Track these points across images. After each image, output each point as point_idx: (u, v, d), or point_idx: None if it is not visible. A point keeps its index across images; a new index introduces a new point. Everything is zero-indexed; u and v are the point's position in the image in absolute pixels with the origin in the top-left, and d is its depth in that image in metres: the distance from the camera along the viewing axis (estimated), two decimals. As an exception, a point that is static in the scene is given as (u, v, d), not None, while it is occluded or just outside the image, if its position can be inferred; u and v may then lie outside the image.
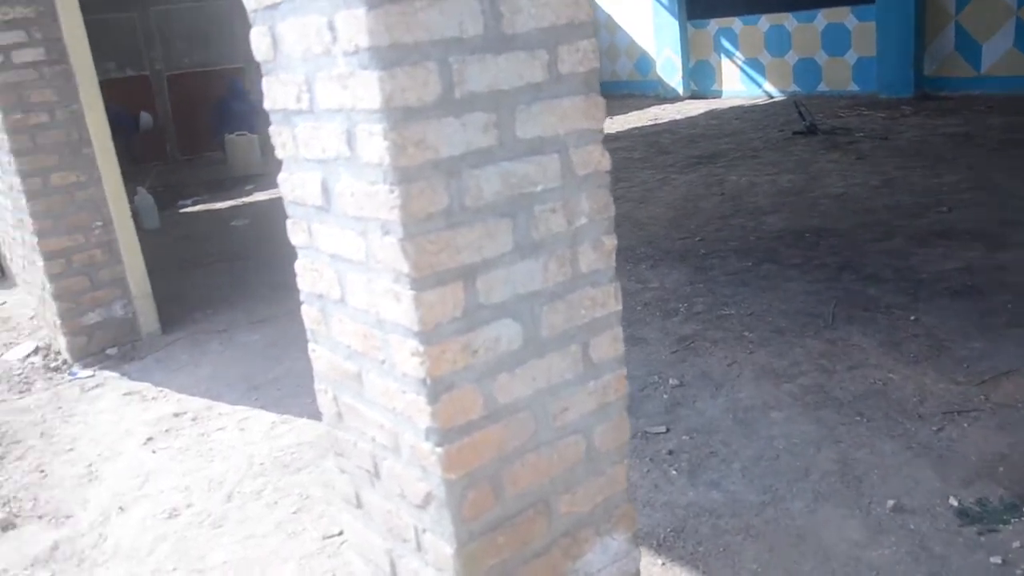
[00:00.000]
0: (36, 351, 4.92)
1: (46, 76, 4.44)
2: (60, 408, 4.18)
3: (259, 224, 7.94)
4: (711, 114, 11.60)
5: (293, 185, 1.78)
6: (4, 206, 5.60)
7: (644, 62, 14.32)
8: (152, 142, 12.09)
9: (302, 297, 1.90)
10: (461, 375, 1.60)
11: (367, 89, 1.44)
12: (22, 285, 6.15)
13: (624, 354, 1.88)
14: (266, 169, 10.84)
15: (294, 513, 3.05)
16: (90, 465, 3.64)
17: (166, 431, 3.82)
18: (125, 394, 4.29)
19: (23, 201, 4.52)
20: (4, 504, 3.46)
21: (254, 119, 11.93)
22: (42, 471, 3.66)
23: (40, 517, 3.34)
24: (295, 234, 1.83)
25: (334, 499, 3.08)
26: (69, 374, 4.57)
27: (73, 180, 4.61)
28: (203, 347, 4.83)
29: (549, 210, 1.67)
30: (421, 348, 1.54)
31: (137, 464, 3.58)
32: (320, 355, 1.92)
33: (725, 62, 12.84)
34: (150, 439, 3.77)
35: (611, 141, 10.43)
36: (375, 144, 1.46)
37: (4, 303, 6.07)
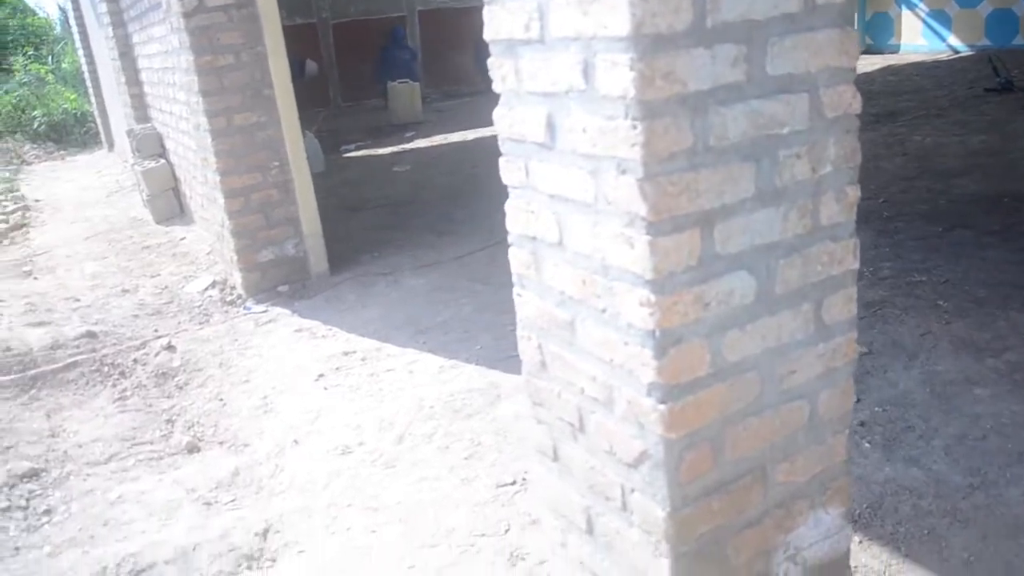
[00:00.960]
0: (213, 285, 5.11)
1: (234, 19, 4.53)
2: (236, 340, 4.32)
3: (421, 170, 8.01)
4: (889, 70, 10.91)
5: (512, 121, 1.69)
6: (188, 146, 5.82)
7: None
8: (316, 89, 12.39)
9: (511, 239, 1.83)
10: (691, 329, 1.49)
11: (614, 15, 1.33)
12: (199, 222, 6.42)
13: (856, 316, 1.72)
14: (426, 117, 10.95)
15: (466, 459, 3.04)
16: (265, 397, 3.74)
17: (336, 369, 3.89)
18: (296, 331, 4.39)
19: (208, 140, 4.66)
20: (189, 427, 3.60)
21: (415, 67, 12.05)
22: (221, 399, 3.79)
23: (221, 443, 3.46)
24: (510, 173, 1.75)
25: (507, 448, 3.05)
26: (244, 308, 4.72)
27: (254, 121, 4.71)
28: (369, 289, 4.89)
29: (794, 155, 1.52)
30: (652, 298, 1.44)
31: (309, 399, 3.65)
32: (527, 301, 1.84)
33: (906, 14, 12.03)
34: (321, 376, 3.84)
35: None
36: (618, 75, 1.35)
37: (184, 239, 6.35)
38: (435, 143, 9.42)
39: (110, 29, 7.59)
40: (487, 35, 1.68)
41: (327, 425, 3.42)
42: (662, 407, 1.49)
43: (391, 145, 9.52)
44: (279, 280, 4.97)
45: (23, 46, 15.66)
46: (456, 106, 12.42)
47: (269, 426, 3.51)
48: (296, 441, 3.33)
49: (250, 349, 4.22)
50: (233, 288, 5.04)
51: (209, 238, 6.09)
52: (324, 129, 10.34)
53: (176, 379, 3.99)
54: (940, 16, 11.61)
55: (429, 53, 13.59)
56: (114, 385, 3.93)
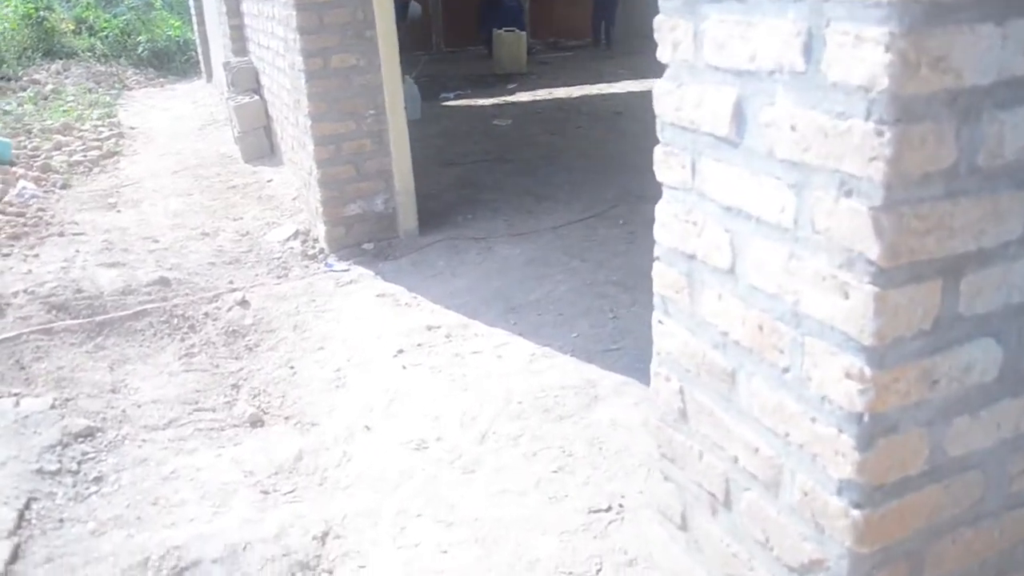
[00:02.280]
0: (295, 235, 4.83)
1: (339, -49, 4.18)
2: (314, 301, 4.03)
3: (523, 126, 7.58)
4: None
5: (680, 102, 1.29)
6: (282, 84, 5.53)
7: None
8: (418, 32, 12.02)
9: (658, 251, 1.43)
10: (910, 414, 1.08)
11: (868, -36, 0.91)
12: (288, 164, 6.15)
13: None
14: (530, 69, 10.48)
15: (555, 472, 2.67)
16: (338, 370, 3.44)
17: (418, 345, 3.56)
18: (378, 295, 4.08)
19: (302, 81, 4.34)
20: (255, 396, 3.33)
21: (522, 16, 11.56)
22: (292, 367, 3.50)
23: (287, 418, 3.18)
24: (668, 168, 1.35)
25: (602, 463, 2.68)
26: (325, 265, 4.42)
27: (352, 63, 4.37)
28: (460, 255, 4.54)
29: (1085, 183, 1.08)
30: (866, 370, 1.03)
31: (386, 377, 3.34)
32: (670, 332, 1.45)
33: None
34: (401, 351, 3.51)
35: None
36: (865, 56, 0.93)
37: (271, 181, 6.10)
38: (538, 97, 8.97)
39: (215, -44, 7.34)
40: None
41: (403, 410, 3.10)
42: (856, 513, 1.09)
43: (492, 96, 9.10)
44: (365, 236, 4.66)
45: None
46: (561, 59, 11.90)
47: (340, 404, 3.20)
48: (368, 427, 3.01)
49: (328, 312, 3.92)
50: (316, 240, 4.75)
51: (296, 183, 5.82)
52: (424, 75, 9.97)
53: (247, 339, 3.72)
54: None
55: (536, 1, 13.03)
56: (182, 340, 3.68)
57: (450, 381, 3.27)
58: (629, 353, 3.41)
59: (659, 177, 1.40)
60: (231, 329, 3.77)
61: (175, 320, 3.78)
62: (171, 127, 8.50)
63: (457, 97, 8.98)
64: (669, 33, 1.26)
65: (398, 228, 4.73)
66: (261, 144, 6.80)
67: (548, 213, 5.13)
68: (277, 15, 5.18)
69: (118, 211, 5.52)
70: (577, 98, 8.83)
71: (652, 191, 4.96)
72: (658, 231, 1.40)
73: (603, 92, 9.08)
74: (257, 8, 6.24)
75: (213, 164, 6.80)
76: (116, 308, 3.78)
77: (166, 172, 6.63)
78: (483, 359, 3.42)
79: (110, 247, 4.43)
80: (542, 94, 9.12)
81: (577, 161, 6.28)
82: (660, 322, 1.45)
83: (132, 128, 8.46)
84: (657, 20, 1.30)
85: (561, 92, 9.18)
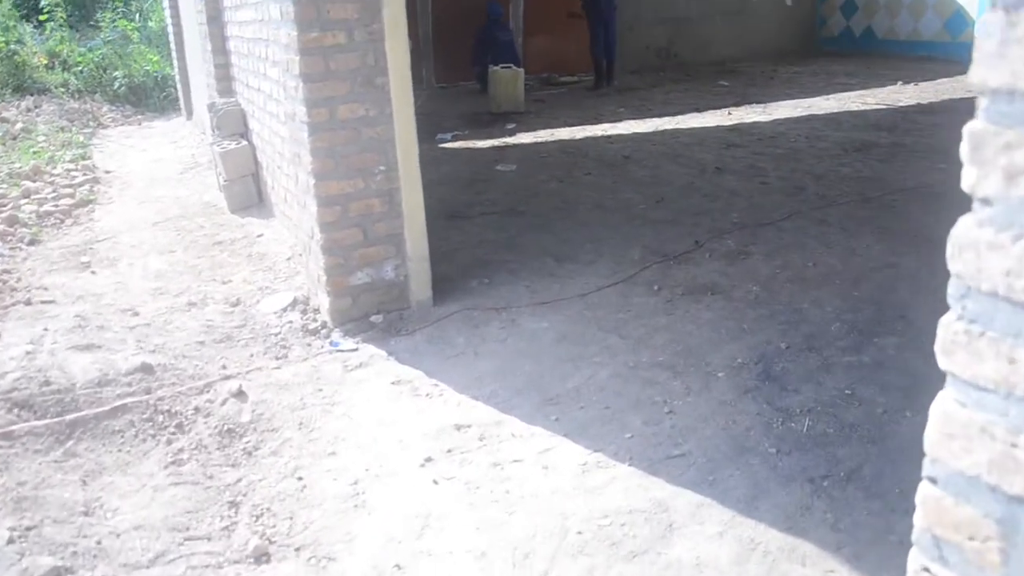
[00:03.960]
0: (294, 304, 4.30)
1: (348, -13, 3.69)
2: (320, 390, 3.50)
3: (528, 172, 7.10)
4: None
5: (1020, 264, 0.80)
6: (275, 131, 5.03)
7: (958, 21, 12.34)
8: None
9: (934, 471, 0.93)
10: None
11: None
12: (279, 217, 5.63)
13: None
14: (527, 107, 10.03)
15: (639, 638, 2.16)
16: (356, 483, 2.91)
17: (448, 451, 3.03)
18: (393, 383, 3.56)
19: (305, 134, 3.83)
20: (258, 518, 2.79)
21: (516, 50, 11.14)
22: (300, 477, 2.97)
23: (297, 550, 2.64)
24: (973, 356, 0.87)
25: (698, 629, 2.16)
26: (330, 344, 3.90)
27: (362, 114, 3.88)
28: (481, 329, 4.03)
29: None
30: None
31: (415, 495, 2.81)
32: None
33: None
34: (429, 460, 2.99)
35: (924, 113, 8.90)
36: None
37: (261, 236, 5.57)
38: (540, 139, 8.51)
39: (199, -11, 6.85)
40: None
41: (440, 543, 2.58)
42: None
43: (491, 137, 8.63)
44: (373, 308, 4.14)
45: (114, 1, 15.09)
46: (557, 96, 11.48)
47: (362, 530, 2.67)
48: (399, 567, 2.48)
49: (337, 405, 3.39)
50: (317, 312, 4.23)
51: (289, 237, 5.30)
52: (417, 113, 9.49)
53: (245, 440, 3.18)
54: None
55: (529, 34, 12.60)
56: (168, 442, 3.13)
57: (492, 502, 2.74)
58: (696, 461, 2.91)
59: (948, 366, 0.90)
60: (226, 428, 3.23)
61: (160, 417, 3.24)
62: (150, 171, 7.96)
63: (455, 138, 8.51)
64: (1002, 153, 0.78)
65: (410, 298, 4.22)
66: (249, 193, 6.28)
67: (572, 277, 4.63)
68: (273, 57, 4.69)
69: (92, 272, 4.97)
70: (581, 140, 8.37)
71: (677, 249, 4.43)
72: (939, 441, 0.90)
73: (607, 133, 8.64)
74: (247, 47, 5.74)
75: (197, 214, 6.26)
76: (91, 403, 3.23)
77: (145, 224, 6.09)
78: (527, 470, 2.90)
79: (83, 323, 3.88)
80: (544, 135, 8.66)
81: (593, 214, 5.81)
82: (927, 571, 0.94)
83: (108, 172, 7.91)
84: (975, 131, 0.81)
85: (563, 133, 8.73)
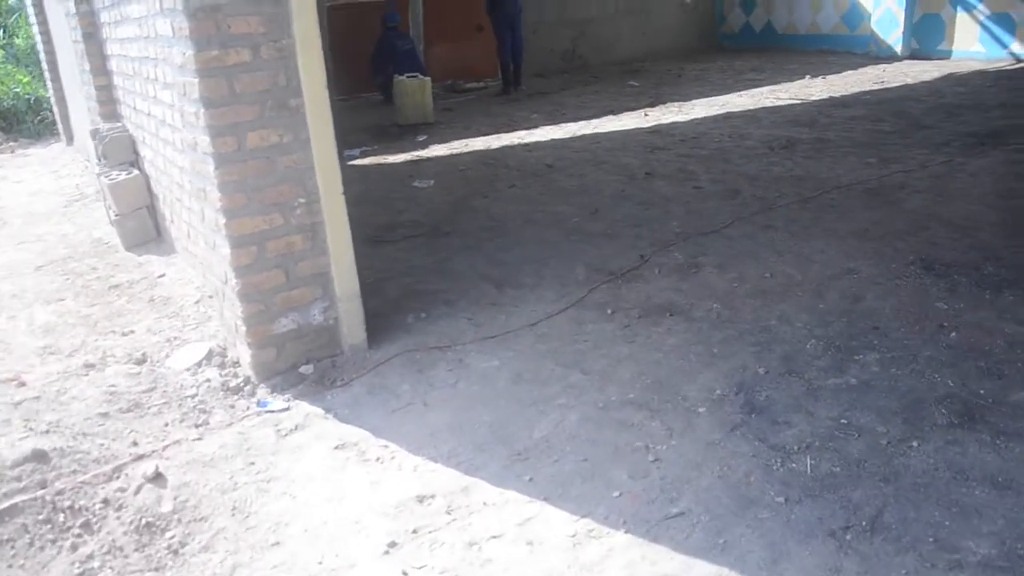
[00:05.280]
0: (209, 357, 3.78)
1: (252, -2, 3.22)
2: (253, 464, 3.01)
3: (448, 187, 6.68)
4: (951, 79, 9.81)
5: None
6: (173, 162, 4.50)
7: (854, 14, 12.47)
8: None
9: None
10: None
11: None
12: (183, 254, 5.07)
13: None
14: (436, 117, 9.58)
15: None
16: (310, 582, 2.45)
17: (413, 532, 2.60)
18: (337, 447, 3.10)
19: (210, 167, 3.33)
20: (190, 640, 2.30)
21: (419, 58, 10.68)
22: (240, 580, 2.48)
23: None
24: None
25: None
26: (258, 404, 3.41)
27: (275, 141, 3.40)
28: (426, 374, 3.60)
29: None
30: None
31: (381, 592, 2.37)
32: None
33: (961, 17, 10.92)
34: (393, 545, 2.55)
35: (838, 106, 8.84)
36: None
37: (162, 276, 4.99)
38: (455, 150, 8.08)
39: (71, 3, 6.17)
40: None
41: (419, 656, 2.15)
42: None
43: (403, 151, 8.16)
44: (301, 357, 3.67)
45: (-30, 17, 13.97)
46: (465, 104, 11.06)
47: (321, 646, 2.22)
48: None
49: (275, 481, 2.91)
50: (237, 365, 3.72)
51: (195, 277, 4.75)
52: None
53: (168, 535, 2.68)
54: (1003, 20, 10.51)
55: (430, 41, 12.12)
56: (73, 548, 2.61)
57: (475, 595, 2.33)
58: (699, 520, 2.56)
59: None
60: (144, 522, 2.71)
61: (61, 517, 2.70)
62: (28, 205, 7.21)
63: (364, 154, 8.01)
64: None
65: (341, 342, 3.76)
66: (145, 227, 5.68)
67: (516, 305, 4.25)
68: (164, 79, 4.15)
69: (-33, 332, 4.32)
70: (498, 149, 7.99)
71: (623, 265, 4.01)
72: None
73: (524, 141, 8.28)
74: (132, 68, 5.15)
75: (87, 254, 5.62)
76: (-29, 508, 2.67)
77: (28, 268, 5.42)
78: (509, 549, 2.50)
79: (-42, 402, 3.29)
80: (458, 146, 8.25)
81: (525, 230, 5.43)
82: None
83: (-21, 209, 7.13)
84: None
85: (478, 143, 8.34)
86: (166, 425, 3.28)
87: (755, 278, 4.36)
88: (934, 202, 5.36)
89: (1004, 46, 10.51)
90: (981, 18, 10.70)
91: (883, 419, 3.01)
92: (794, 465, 2.80)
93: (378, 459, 3.00)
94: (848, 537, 2.44)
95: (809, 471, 2.76)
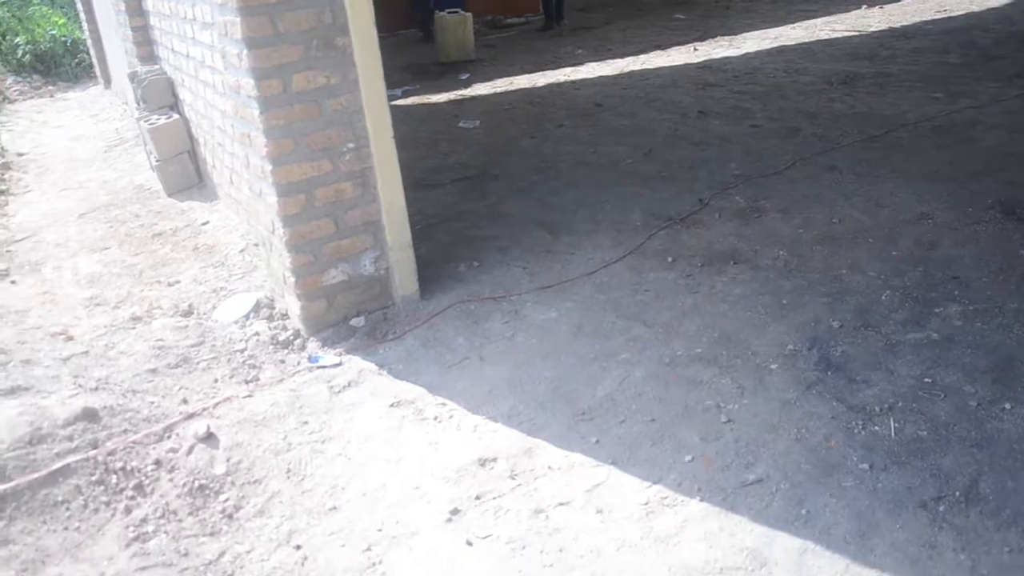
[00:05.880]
0: (257, 309, 3.68)
1: (297, -73, 3.02)
2: (306, 423, 2.91)
3: (495, 127, 6.47)
4: (1021, 5, 9.29)
5: None
6: (214, 105, 4.34)
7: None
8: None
9: None
10: None
11: None
12: (225, 200, 4.95)
13: None
14: (478, 54, 9.31)
15: None
16: (369, 550, 2.35)
17: (477, 498, 2.49)
18: (392, 405, 2.99)
19: (255, 111, 3.17)
20: (250, 608, 2.21)
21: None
22: (298, 546, 2.40)
23: (309, 652, 2.08)
24: None
25: None
26: (309, 359, 3.29)
27: (322, 83, 3.23)
28: (482, 326, 3.46)
29: None
30: None
31: (446, 563, 2.27)
32: None
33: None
34: (456, 512, 2.44)
35: (899, 38, 8.43)
36: None
37: (206, 223, 4.88)
38: (499, 89, 7.84)
39: (106, -58, 5.98)
40: None
41: (489, 632, 2.04)
42: None
43: (446, 90, 7.93)
44: (352, 309, 3.55)
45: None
46: (507, 40, 10.74)
47: (386, 619, 2.12)
48: (445, 675, 1.94)
49: (330, 442, 2.81)
50: (286, 318, 3.61)
51: (240, 224, 4.63)
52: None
53: (222, 498, 2.59)
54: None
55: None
56: (127, 511, 2.53)
57: (545, 567, 2.21)
58: (779, 488, 2.41)
59: None
60: (197, 484, 2.63)
61: (113, 478, 2.62)
62: (70, 150, 7.12)
63: (406, 94, 7.79)
64: None
65: (393, 293, 3.63)
66: (186, 172, 5.55)
67: (572, 252, 4.08)
68: (203, 18, 3.98)
69: (12, 282, 4.25)
70: (544, 88, 7.74)
71: (681, 210, 3.79)
72: None
73: (571, 79, 8.01)
74: (169, 7, 4.97)
75: (129, 201, 5.52)
76: (23, 469, 2.59)
77: (71, 216, 5.34)
78: (578, 517, 2.38)
79: (4, 357, 3.20)
80: (502, 84, 8.00)
81: (577, 172, 5.23)
82: None
83: (20, 155, 7.05)
84: None
85: (523, 81, 8.08)
86: (216, 381, 3.19)
87: (822, 223, 4.14)
88: (1010, 140, 5.07)
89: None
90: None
91: (970, 378, 2.83)
92: (877, 428, 2.63)
93: (436, 418, 2.88)
94: (941, 509, 2.28)
95: (893, 435, 2.59)
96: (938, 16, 9.35)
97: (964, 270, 3.57)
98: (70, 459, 2.64)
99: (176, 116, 5.47)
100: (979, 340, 3.04)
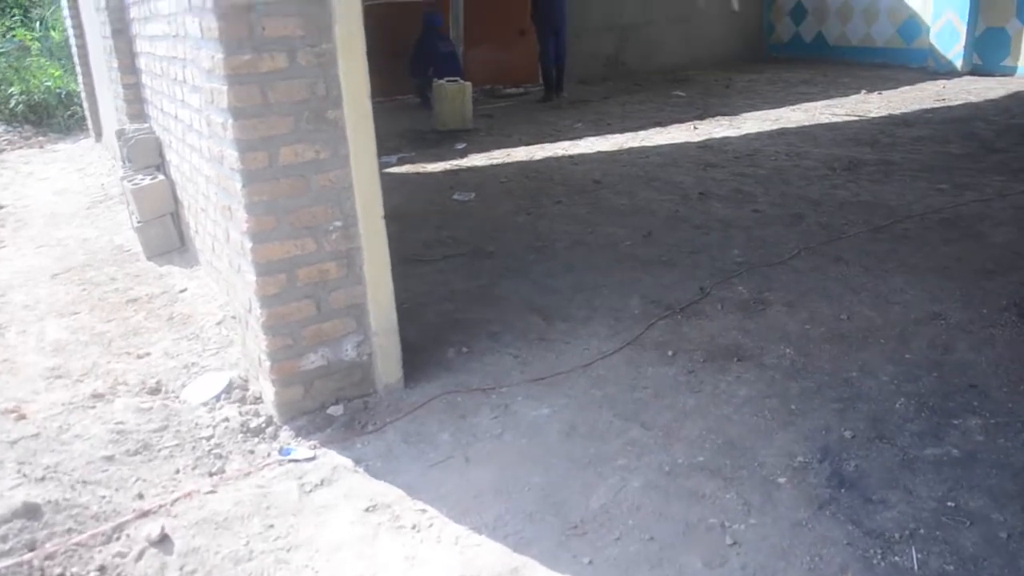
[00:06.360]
0: (229, 391, 3.44)
1: (291, -3, 2.86)
2: (272, 527, 2.65)
3: (490, 201, 6.31)
4: (1019, 97, 9.29)
5: None
6: (199, 170, 4.17)
7: (911, 27, 11.96)
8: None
9: None
10: None
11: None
12: (207, 268, 4.74)
13: None
14: (477, 124, 9.22)
15: None
16: None
17: (457, 627, 2.22)
18: (367, 509, 2.74)
19: (237, 184, 2.98)
20: None
21: (459, 62, 10.32)
22: (252, 677, 2.12)
23: None
24: None
25: None
26: (280, 452, 3.05)
27: (311, 157, 3.05)
28: (469, 420, 3.23)
29: None
30: None
31: None
32: None
33: (1030, 31, 10.41)
34: (433, 643, 2.18)
35: (900, 125, 8.38)
36: None
37: (184, 291, 4.66)
38: (496, 160, 7.71)
39: (102, -3, 5.88)
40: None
41: None
42: None
43: (442, 159, 7.80)
44: (330, 396, 3.31)
45: (11, 8, 13.79)
46: (505, 110, 10.69)
47: None
48: None
49: (296, 551, 2.55)
50: (259, 402, 3.38)
51: (219, 293, 4.42)
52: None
53: (171, 615, 2.32)
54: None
55: (471, 44, 11.74)
56: (63, 629, 2.25)
57: None
58: (793, 629, 2.14)
59: None
60: (144, 597, 2.36)
61: (50, 588, 2.35)
62: (52, 205, 6.93)
63: (400, 161, 7.66)
64: None
65: (376, 381, 3.40)
66: (168, 235, 5.36)
67: (567, 340, 3.86)
68: (192, 81, 3.82)
69: (-28, 347, 4.01)
70: (542, 161, 7.61)
71: (681, 298, 3.53)
72: None
73: (569, 153, 7.89)
74: (160, 67, 4.83)
75: (107, 262, 5.31)
76: (-51, 574, 2.33)
77: (44, 275, 5.13)
78: (568, 658, 2.11)
79: (-51, 437, 2.95)
80: (499, 156, 7.88)
81: (574, 253, 5.05)
82: None
83: (1, 207, 6.85)
84: None
85: (520, 153, 7.96)
86: (177, 472, 2.93)
87: (830, 320, 3.95)
88: (1020, 238, 4.92)
89: (1075, 65, 10.01)
90: (1050, 35, 10.21)
91: (998, 504, 2.60)
92: (897, 559, 2.40)
93: (414, 526, 2.63)
94: (975, 662, 2.03)
95: (916, 567, 2.36)
96: (937, 105, 9.33)
97: (982, 378, 3.36)
98: (3, 564, 2.37)
99: (161, 177, 5.30)
100: (1004, 459, 2.83)
